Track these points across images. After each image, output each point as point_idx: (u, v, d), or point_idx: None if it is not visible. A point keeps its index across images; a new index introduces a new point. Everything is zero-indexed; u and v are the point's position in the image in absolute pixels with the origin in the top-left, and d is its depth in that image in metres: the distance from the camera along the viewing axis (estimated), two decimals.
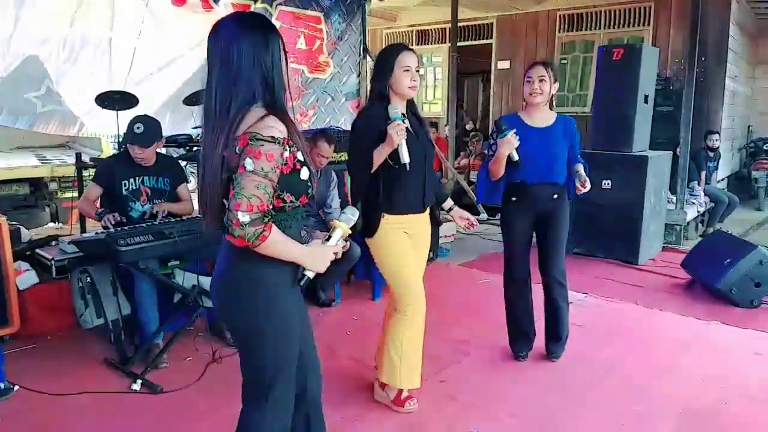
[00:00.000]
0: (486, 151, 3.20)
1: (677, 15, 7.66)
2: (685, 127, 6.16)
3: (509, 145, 2.86)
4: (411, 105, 2.65)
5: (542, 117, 3.10)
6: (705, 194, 7.14)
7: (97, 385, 2.93)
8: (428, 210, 2.71)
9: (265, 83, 1.58)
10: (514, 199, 3.10)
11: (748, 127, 10.16)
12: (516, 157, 2.90)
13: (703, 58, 7.33)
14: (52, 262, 3.48)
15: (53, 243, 3.77)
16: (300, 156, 1.61)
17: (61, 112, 5.30)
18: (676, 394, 2.94)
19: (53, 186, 6.29)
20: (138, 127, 3.25)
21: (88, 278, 3.03)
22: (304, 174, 1.62)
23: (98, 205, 3.36)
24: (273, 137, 1.52)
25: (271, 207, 1.53)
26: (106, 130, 5.27)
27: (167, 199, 3.43)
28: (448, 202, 2.87)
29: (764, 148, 9.51)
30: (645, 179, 5.16)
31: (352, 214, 1.75)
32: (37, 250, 3.65)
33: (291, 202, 1.62)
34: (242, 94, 1.55)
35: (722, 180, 8.55)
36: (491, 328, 3.67)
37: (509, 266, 3.22)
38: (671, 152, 6.02)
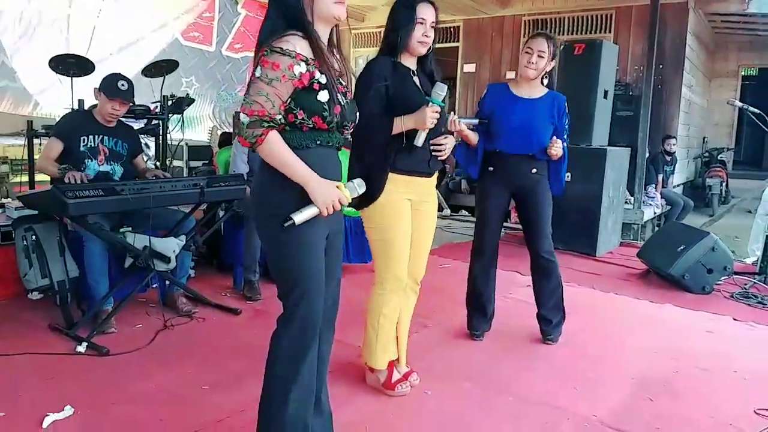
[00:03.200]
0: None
1: (637, 23, 7.89)
2: (643, 127, 6.34)
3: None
4: (424, 62, 2.42)
5: (530, 90, 2.99)
6: (661, 197, 7.34)
7: (41, 348, 2.81)
8: (433, 180, 2.51)
9: (302, 12, 1.65)
10: (491, 168, 2.99)
11: (704, 138, 10.48)
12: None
13: (661, 66, 7.57)
14: None
15: (0, 210, 3.62)
16: (321, 79, 1.64)
17: (15, 89, 5.17)
18: (630, 364, 2.96)
19: (4, 168, 6.05)
20: (122, 84, 3.22)
21: (33, 236, 2.91)
22: (323, 96, 1.65)
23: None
24: (281, 48, 1.59)
25: (278, 116, 1.61)
26: (62, 111, 5.14)
27: (123, 164, 3.36)
28: None
29: (718, 157, 9.85)
30: (604, 172, 5.26)
31: (359, 186, 1.72)
32: None
33: (303, 119, 1.64)
34: (282, 20, 1.66)
35: (678, 186, 8.79)
36: (449, 305, 3.68)
37: (478, 238, 3.11)
38: (630, 148, 6.15)
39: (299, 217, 1.62)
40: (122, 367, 2.67)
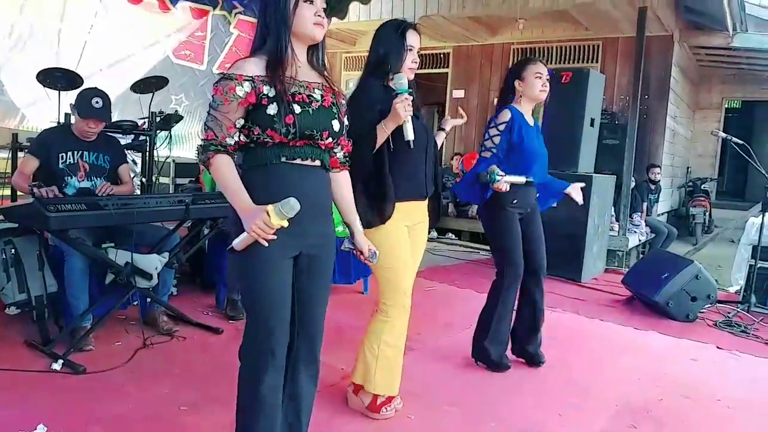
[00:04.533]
0: (488, 147, 2.93)
1: (623, 54, 8.04)
2: (628, 156, 6.44)
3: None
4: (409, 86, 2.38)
5: (529, 116, 3.03)
6: (646, 225, 7.40)
7: (15, 364, 2.73)
8: (427, 202, 2.50)
9: (267, 30, 1.73)
10: (515, 201, 2.92)
11: (687, 168, 10.63)
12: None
13: (646, 96, 7.70)
14: None
15: None
16: (270, 92, 1.66)
17: (1, 101, 5.12)
18: (613, 390, 2.95)
19: None
20: (97, 102, 3.15)
21: (13, 249, 2.86)
22: (271, 109, 1.65)
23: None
24: (224, 74, 1.67)
25: (228, 139, 1.66)
26: (48, 124, 5.10)
27: (106, 178, 3.31)
28: None
29: (702, 187, 9.97)
30: (590, 199, 5.29)
31: (285, 207, 1.55)
32: None
33: (259, 135, 1.66)
34: (256, 41, 1.76)
35: (662, 215, 8.89)
36: (434, 328, 3.68)
37: (516, 260, 2.98)
38: (615, 176, 6.20)
39: (237, 243, 1.64)
40: (98, 386, 2.61)
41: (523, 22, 7.66)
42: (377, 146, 2.23)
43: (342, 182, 1.94)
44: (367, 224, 2.19)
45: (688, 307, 4.27)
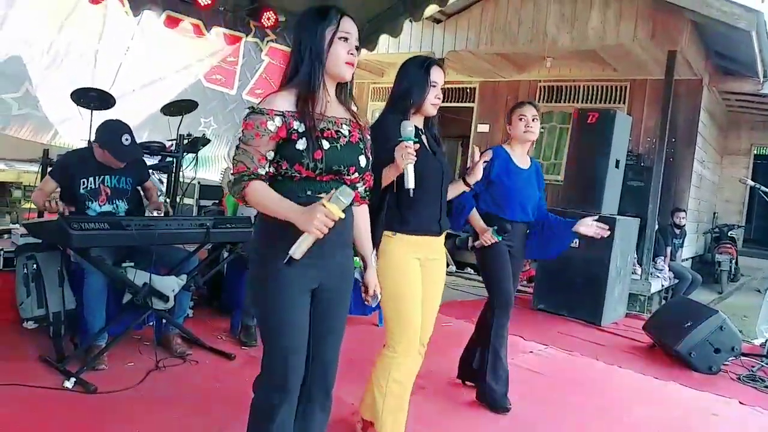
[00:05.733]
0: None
1: (651, 96, 8.00)
2: (653, 199, 6.36)
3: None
4: (429, 122, 2.45)
5: (523, 157, 3.14)
6: (670, 270, 7.26)
7: (28, 379, 2.74)
8: (442, 239, 2.47)
9: (301, 63, 1.73)
10: (504, 236, 2.99)
11: (714, 213, 10.46)
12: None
13: (673, 139, 7.63)
14: (1, 252, 3.35)
15: (5, 236, 3.63)
16: (300, 128, 1.67)
17: (36, 117, 5.26)
18: None
19: (17, 194, 6.12)
20: (126, 139, 3.14)
21: (35, 265, 2.90)
22: (301, 144, 1.67)
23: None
24: (253, 108, 1.69)
25: (261, 169, 1.65)
26: (79, 141, 5.21)
27: (128, 200, 3.34)
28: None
29: (728, 233, 9.78)
30: (612, 240, 5.22)
31: (343, 195, 1.58)
32: None
33: (287, 169, 1.68)
34: (289, 72, 1.76)
35: (686, 260, 8.73)
36: (449, 367, 3.59)
37: (506, 291, 3.02)
38: (639, 218, 6.12)
39: (297, 250, 1.59)
40: (108, 407, 2.60)
41: (551, 60, 7.68)
42: (383, 186, 2.20)
43: (360, 215, 1.94)
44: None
45: (711, 359, 4.14)
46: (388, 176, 2.18)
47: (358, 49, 1.78)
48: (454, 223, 2.92)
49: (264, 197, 1.64)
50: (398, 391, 2.37)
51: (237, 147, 1.68)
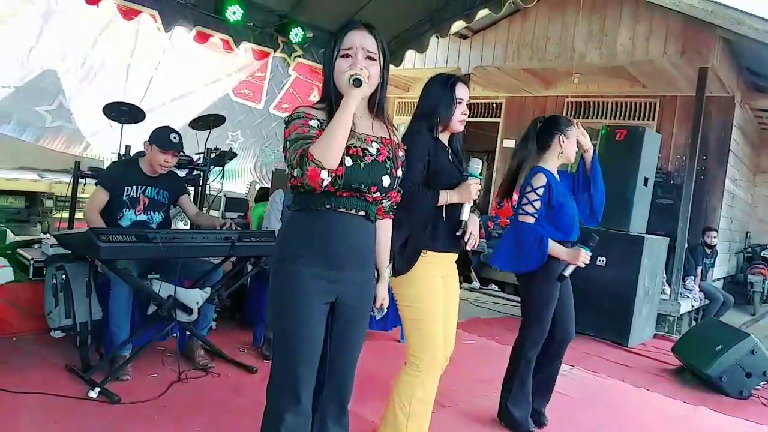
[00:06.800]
0: (530, 212, 2.82)
1: (682, 112, 7.87)
2: (684, 217, 6.23)
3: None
4: (453, 137, 2.45)
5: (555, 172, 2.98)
6: (700, 290, 7.09)
7: (53, 388, 2.79)
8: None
9: (325, 83, 1.77)
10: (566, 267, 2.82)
11: (747, 232, 10.20)
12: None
13: (704, 157, 7.49)
14: (31, 262, 3.41)
15: (36, 246, 3.70)
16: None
17: (69, 129, 5.39)
18: None
19: (49, 204, 6.25)
20: (174, 137, 3.34)
21: (63, 275, 2.95)
22: None
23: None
24: (291, 116, 1.71)
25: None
26: (109, 154, 5.32)
27: (164, 212, 3.42)
28: None
29: (761, 254, 9.53)
30: (640, 260, 5.13)
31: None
32: (19, 250, 3.58)
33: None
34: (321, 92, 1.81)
35: (718, 280, 8.52)
36: (470, 385, 3.58)
37: (546, 323, 2.89)
38: (668, 237, 6.00)
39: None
40: (130, 417, 2.62)
41: (578, 76, 7.61)
42: (433, 208, 2.25)
43: (382, 229, 1.93)
44: (393, 271, 2.22)
45: (742, 383, 4.03)
46: (448, 200, 2.25)
47: (379, 58, 1.75)
48: (530, 261, 2.78)
49: (326, 132, 1.61)
50: (422, 412, 2.34)
51: (286, 158, 1.67)
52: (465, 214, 2.25)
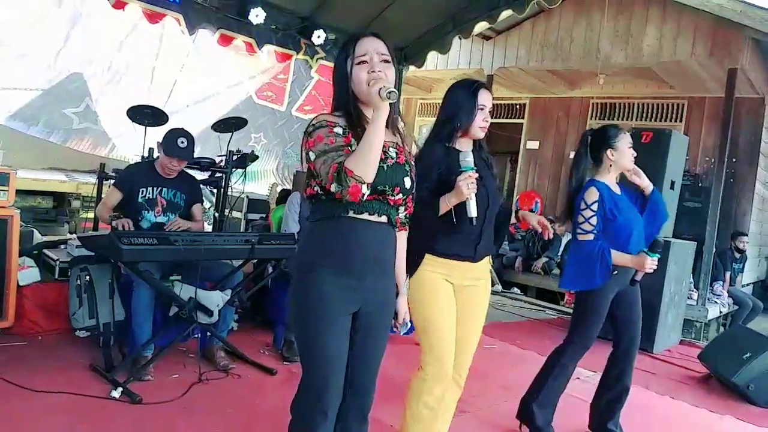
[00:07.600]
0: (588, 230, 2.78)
1: (710, 114, 7.73)
2: (712, 221, 6.10)
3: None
4: (479, 144, 2.40)
5: (614, 185, 2.89)
6: (729, 295, 6.94)
7: (77, 388, 2.83)
8: (485, 264, 2.39)
9: (345, 95, 1.74)
10: (615, 272, 2.76)
11: None
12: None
13: (734, 159, 7.34)
14: (57, 263, 3.47)
15: (62, 246, 3.77)
16: (353, 144, 1.66)
17: (95, 131, 5.47)
18: None
19: (76, 204, 6.36)
20: (182, 141, 3.32)
21: (87, 277, 3.00)
22: None
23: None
24: (314, 125, 1.69)
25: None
26: (133, 156, 5.39)
27: (181, 215, 3.44)
28: None
29: None
30: (666, 264, 5.03)
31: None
32: (45, 251, 3.65)
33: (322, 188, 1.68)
34: (334, 102, 1.79)
35: (747, 285, 8.32)
36: (491, 390, 3.55)
37: (592, 335, 2.88)
38: (695, 242, 5.88)
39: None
40: (151, 418, 2.65)
41: (604, 77, 7.52)
42: (440, 213, 2.19)
43: (399, 240, 1.92)
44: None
45: None
46: (448, 204, 2.18)
47: (392, 62, 1.74)
48: (594, 277, 2.72)
49: (361, 147, 1.58)
50: (427, 418, 2.28)
51: (311, 170, 1.67)
52: (471, 211, 2.15)
